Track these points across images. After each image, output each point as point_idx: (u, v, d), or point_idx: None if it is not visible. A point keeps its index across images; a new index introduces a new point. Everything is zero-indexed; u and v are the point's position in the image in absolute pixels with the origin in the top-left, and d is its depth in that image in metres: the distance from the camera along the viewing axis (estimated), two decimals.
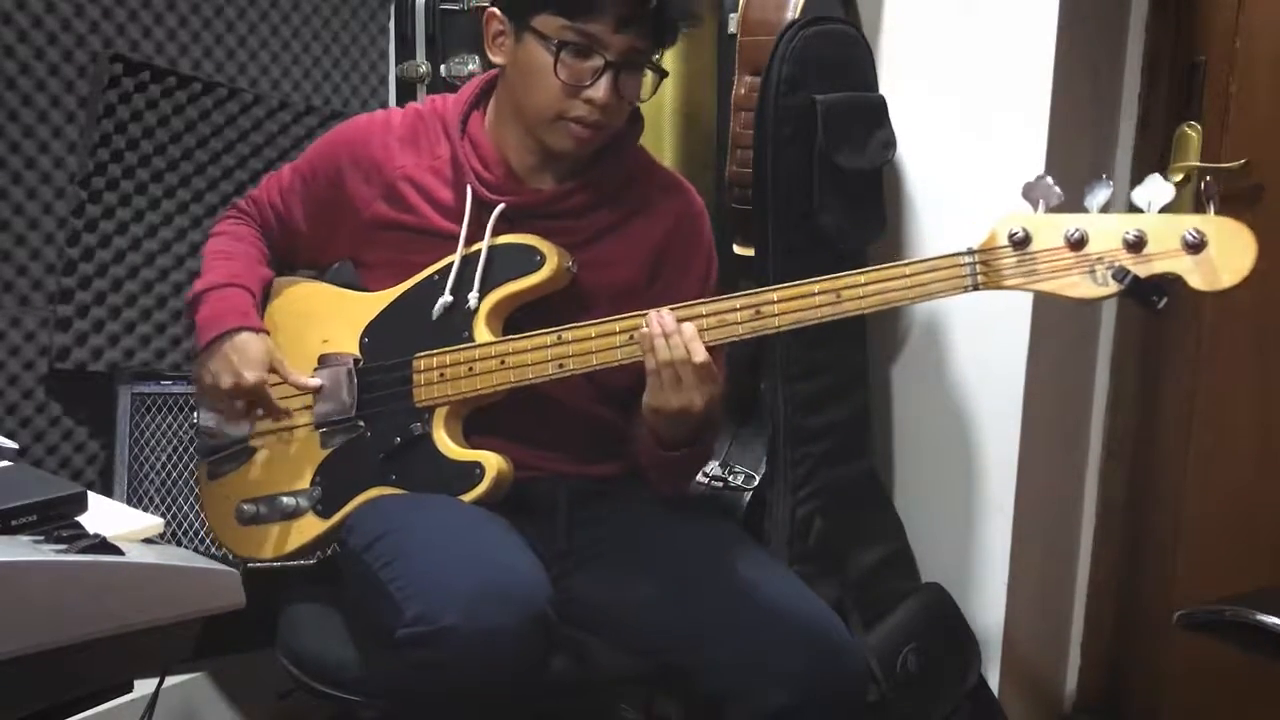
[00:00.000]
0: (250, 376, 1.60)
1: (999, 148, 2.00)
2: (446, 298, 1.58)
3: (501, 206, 1.58)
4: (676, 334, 1.41)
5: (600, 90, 1.49)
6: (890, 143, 2.04)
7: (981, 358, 2.10)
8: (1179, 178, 2.05)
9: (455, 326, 1.58)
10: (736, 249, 2.02)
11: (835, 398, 2.05)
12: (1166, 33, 2.12)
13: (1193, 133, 2.07)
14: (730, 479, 1.99)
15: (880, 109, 2.03)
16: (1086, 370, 2.27)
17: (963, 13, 2.04)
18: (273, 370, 1.63)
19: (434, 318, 1.58)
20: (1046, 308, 2.03)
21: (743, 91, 1.99)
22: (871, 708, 1.83)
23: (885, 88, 2.06)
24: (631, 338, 1.47)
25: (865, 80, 2.04)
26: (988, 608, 2.14)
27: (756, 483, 1.99)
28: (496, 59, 1.57)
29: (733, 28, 2.03)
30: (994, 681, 2.13)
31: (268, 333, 1.65)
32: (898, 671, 1.91)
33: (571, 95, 1.50)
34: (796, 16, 1.93)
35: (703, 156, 2.21)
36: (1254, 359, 2.07)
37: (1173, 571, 2.20)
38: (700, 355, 1.40)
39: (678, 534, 1.61)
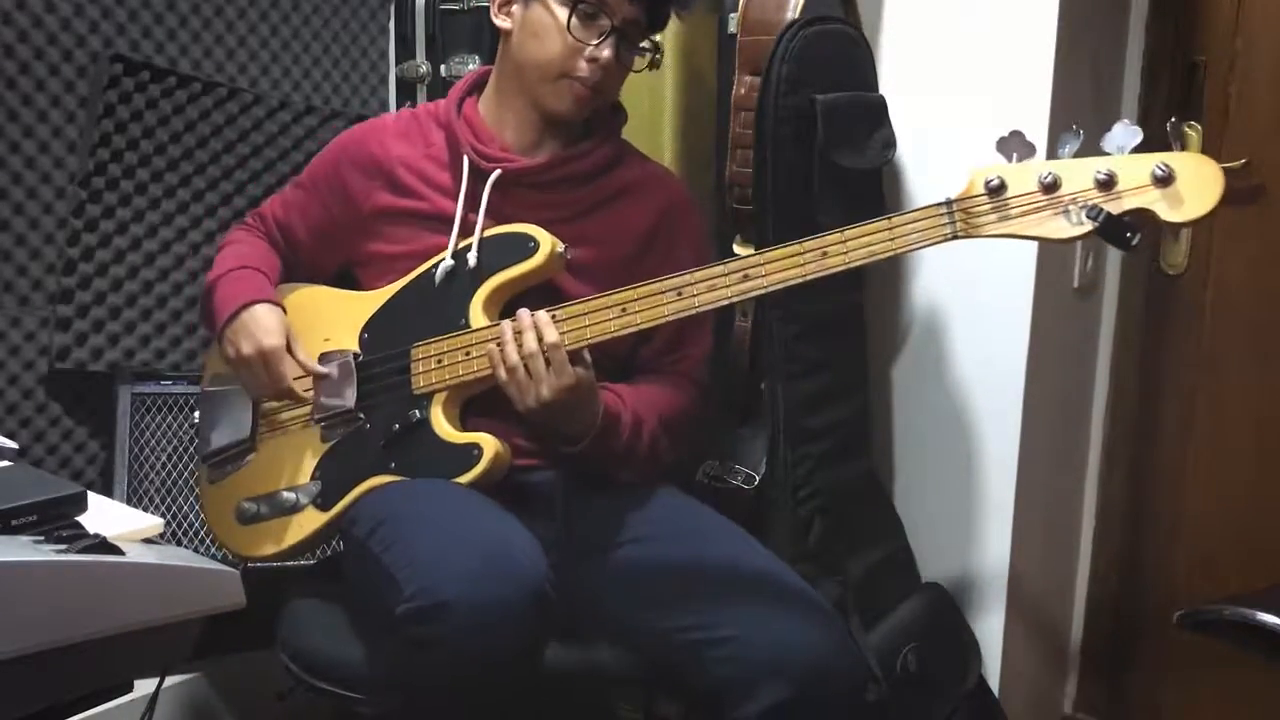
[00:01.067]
0: (269, 341, 1.64)
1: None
2: (448, 262, 1.62)
3: (497, 173, 1.64)
4: (529, 331, 1.50)
5: (605, 51, 1.60)
6: (890, 143, 2.04)
7: (981, 358, 2.10)
8: None
9: (453, 313, 1.60)
10: (736, 249, 2.02)
11: (835, 398, 2.05)
12: (1166, 33, 2.12)
13: (1193, 132, 2.07)
14: (730, 479, 1.99)
15: (880, 109, 2.03)
16: (1086, 370, 2.27)
17: (963, 13, 2.04)
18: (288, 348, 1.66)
19: (436, 283, 1.62)
20: (1047, 307, 2.04)
21: (743, 91, 1.99)
22: (871, 707, 1.83)
23: (885, 88, 2.06)
24: (624, 311, 1.50)
25: (865, 80, 2.04)
26: (988, 608, 2.14)
27: (756, 483, 1.99)
28: (503, 23, 1.66)
29: (733, 28, 2.03)
30: (994, 681, 2.13)
31: (284, 309, 1.69)
32: (898, 671, 1.91)
33: (577, 54, 1.60)
34: (796, 16, 1.93)
35: (703, 156, 2.21)
36: (1254, 359, 2.07)
37: (1173, 571, 2.20)
38: (551, 335, 1.49)
39: (678, 530, 1.61)
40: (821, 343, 2.01)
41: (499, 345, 1.52)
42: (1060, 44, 1.95)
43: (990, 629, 2.14)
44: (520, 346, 1.50)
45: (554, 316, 1.52)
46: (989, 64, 2.02)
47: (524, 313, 1.52)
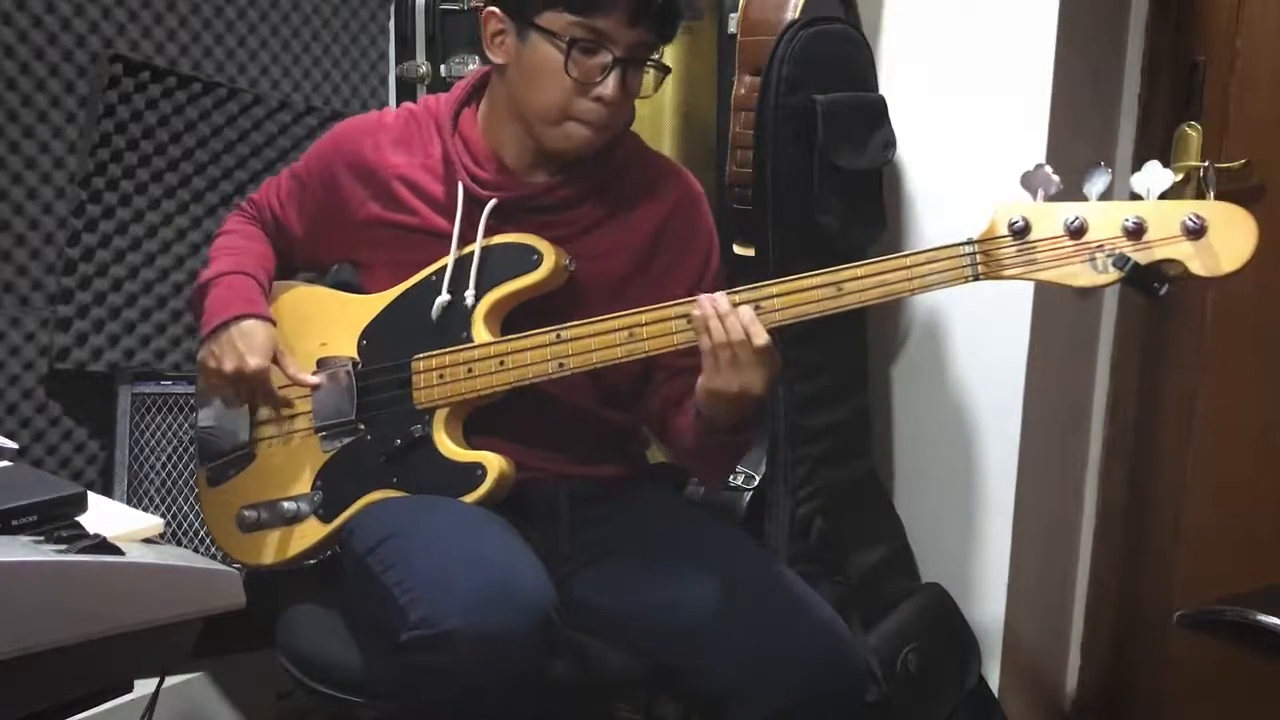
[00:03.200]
0: (253, 362, 1.59)
1: (999, 148, 2.00)
2: (444, 296, 1.57)
3: (494, 202, 1.57)
4: (732, 315, 1.38)
5: (609, 87, 1.48)
6: (890, 143, 2.04)
7: (981, 358, 2.10)
8: (1180, 178, 2.05)
9: (454, 327, 1.57)
10: (736, 249, 2.02)
11: (835, 398, 2.05)
12: (1166, 33, 2.12)
13: (1193, 133, 2.07)
14: (730, 479, 1.98)
15: (880, 109, 2.03)
16: (1086, 370, 2.27)
17: (963, 13, 2.04)
18: (275, 362, 1.62)
19: (433, 318, 1.58)
20: (1047, 307, 2.03)
21: (743, 91, 1.99)
22: (871, 708, 1.83)
23: (885, 88, 2.06)
24: (631, 335, 1.46)
25: (865, 80, 2.04)
26: (988, 608, 2.14)
27: (756, 483, 1.99)
28: (496, 59, 1.55)
29: (733, 28, 2.03)
30: (994, 681, 2.13)
31: (274, 323, 1.65)
32: (898, 671, 1.91)
33: (580, 94, 1.49)
34: (796, 16, 1.93)
35: (703, 157, 2.21)
36: (1254, 359, 2.07)
37: (1173, 571, 2.20)
38: (760, 338, 1.38)
39: (679, 535, 1.61)
40: (821, 343, 2.01)
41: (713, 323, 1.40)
42: (1060, 44, 1.95)
43: (990, 629, 2.14)
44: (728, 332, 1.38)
45: (558, 336, 1.49)
46: (989, 64, 2.02)
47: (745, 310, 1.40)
